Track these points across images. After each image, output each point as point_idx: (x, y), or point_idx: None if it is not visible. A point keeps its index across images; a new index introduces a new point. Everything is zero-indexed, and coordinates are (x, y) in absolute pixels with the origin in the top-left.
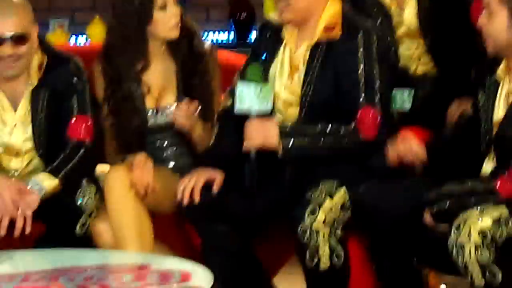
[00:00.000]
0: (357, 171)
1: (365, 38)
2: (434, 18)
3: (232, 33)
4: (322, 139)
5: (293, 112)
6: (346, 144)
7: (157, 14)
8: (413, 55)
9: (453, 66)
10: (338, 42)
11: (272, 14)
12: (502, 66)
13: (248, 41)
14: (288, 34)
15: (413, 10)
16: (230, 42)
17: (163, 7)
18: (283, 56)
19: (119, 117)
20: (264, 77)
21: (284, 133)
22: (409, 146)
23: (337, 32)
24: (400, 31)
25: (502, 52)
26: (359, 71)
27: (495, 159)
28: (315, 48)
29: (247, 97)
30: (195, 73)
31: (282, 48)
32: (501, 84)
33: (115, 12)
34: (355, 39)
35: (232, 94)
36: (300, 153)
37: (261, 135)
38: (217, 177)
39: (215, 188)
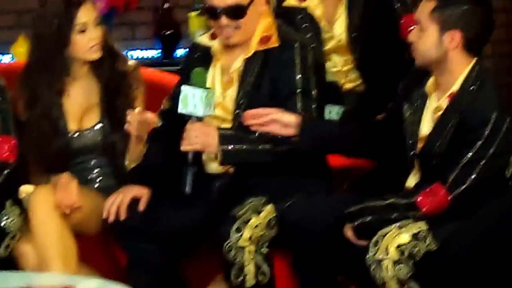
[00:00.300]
0: (287, 187)
1: (301, 49)
2: (364, 33)
3: (158, 50)
4: (261, 145)
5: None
6: (282, 149)
7: (76, 37)
8: (340, 70)
9: (380, 82)
10: (274, 52)
11: (201, 38)
12: (430, 81)
13: (174, 57)
14: (218, 53)
15: (343, 25)
16: (156, 59)
17: (83, 31)
18: (213, 74)
19: (40, 139)
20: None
21: (223, 138)
22: None
23: (273, 42)
24: (329, 46)
25: (430, 68)
26: (296, 80)
27: (418, 174)
28: (251, 60)
29: (191, 100)
30: (118, 94)
31: (211, 68)
32: (428, 99)
33: (35, 33)
34: (291, 49)
35: (173, 98)
36: (238, 158)
37: (200, 139)
38: (144, 194)
39: (141, 205)
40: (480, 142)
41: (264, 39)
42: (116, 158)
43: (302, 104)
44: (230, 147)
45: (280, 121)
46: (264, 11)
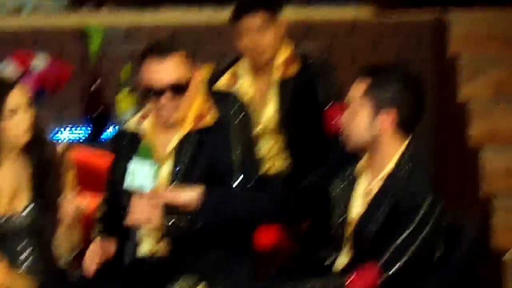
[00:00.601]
0: (220, 265)
1: (237, 127)
2: (294, 117)
3: (87, 130)
4: (202, 216)
5: None
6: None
7: (6, 121)
8: (268, 153)
9: (307, 163)
10: (210, 131)
11: (127, 124)
12: (362, 162)
13: (103, 137)
14: (149, 134)
15: (272, 109)
16: (85, 139)
17: (13, 113)
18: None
19: None
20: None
21: (168, 211)
22: None
23: (209, 120)
24: (256, 130)
25: (362, 151)
26: (233, 156)
27: (348, 255)
28: (185, 139)
29: (140, 174)
30: (46, 178)
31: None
32: (358, 180)
33: None
34: (227, 128)
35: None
36: (179, 231)
37: (145, 214)
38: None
39: None
40: (412, 226)
41: (198, 118)
42: (44, 241)
43: (242, 180)
44: (171, 221)
45: (176, 202)
46: (198, 90)
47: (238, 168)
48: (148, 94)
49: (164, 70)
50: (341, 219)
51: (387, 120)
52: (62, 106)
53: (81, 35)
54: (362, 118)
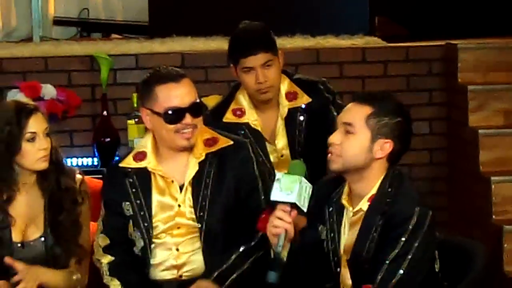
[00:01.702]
0: None
1: (250, 147)
2: (306, 147)
3: (96, 157)
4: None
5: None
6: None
7: (26, 146)
8: None
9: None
10: (229, 151)
11: (125, 163)
12: (344, 195)
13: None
14: (157, 166)
15: (284, 140)
16: (94, 166)
17: (32, 139)
18: (157, 187)
19: None
20: None
21: None
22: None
23: (223, 142)
24: (272, 159)
25: (347, 174)
26: (256, 176)
27: (348, 282)
28: (204, 163)
29: (303, 194)
30: (62, 209)
31: (153, 183)
32: (345, 210)
33: None
34: (245, 148)
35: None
36: None
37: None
38: None
39: None
40: (404, 238)
41: (210, 142)
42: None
43: (265, 197)
44: None
45: None
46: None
47: (261, 186)
48: (176, 116)
49: (183, 91)
50: (335, 256)
51: (382, 149)
52: (71, 133)
53: (91, 62)
54: (360, 142)
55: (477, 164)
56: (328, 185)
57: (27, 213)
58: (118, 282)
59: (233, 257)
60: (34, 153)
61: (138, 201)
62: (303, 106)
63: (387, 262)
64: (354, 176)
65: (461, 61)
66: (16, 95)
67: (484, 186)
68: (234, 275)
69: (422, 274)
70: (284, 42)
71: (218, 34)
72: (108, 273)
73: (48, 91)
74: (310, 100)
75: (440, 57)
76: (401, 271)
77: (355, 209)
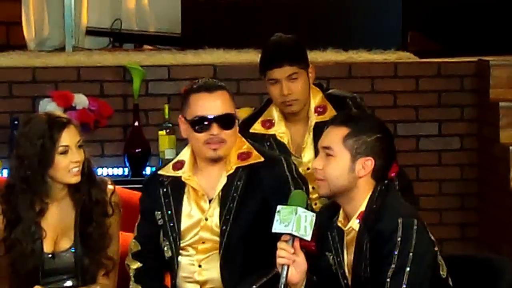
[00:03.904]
0: None
1: (287, 164)
2: None
3: (126, 168)
4: None
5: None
6: None
7: (58, 159)
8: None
9: None
10: (262, 168)
11: (163, 171)
12: (340, 217)
13: (143, 175)
14: (191, 176)
15: (311, 153)
16: (125, 176)
17: (65, 152)
18: (189, 199)
19: (18, 258)
20: None
21: None
22: None
23: (255, 158)
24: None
25: (335, 196)
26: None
27: None
28: (233, 176)
29: (303, 223)
30: (91, 221)
31: (186, 194)
32: (345, 234)
33: (16, 153)
34: (280, 165)
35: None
36: None
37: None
38: None
39: None
40: (396, 252)
41: (243, 155)
42: (86, 281)
43: None
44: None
45: None
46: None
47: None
48: (201, 124)
49: (214, 102)
50: (344, 280)
51: (364, 168)
52: (102, 143)
53: (123, 73)
54: (340, 164)
55: (507, 180)
56: (328, 210)
57: (59, 225)
58: None
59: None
60: (67, 165)
61: (169, 212)
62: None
63: (388, 280)
64: (343, 198)
65: (493, 77)
66: (48, 104)
67: None
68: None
69: (426, 283)
70: (316, 56)
71: (250, 46)
72: (133, 279)
73: (80, 100)
74: (335, 114)
75: (472, 73)
76: (404, 286)
77: (346, 228)
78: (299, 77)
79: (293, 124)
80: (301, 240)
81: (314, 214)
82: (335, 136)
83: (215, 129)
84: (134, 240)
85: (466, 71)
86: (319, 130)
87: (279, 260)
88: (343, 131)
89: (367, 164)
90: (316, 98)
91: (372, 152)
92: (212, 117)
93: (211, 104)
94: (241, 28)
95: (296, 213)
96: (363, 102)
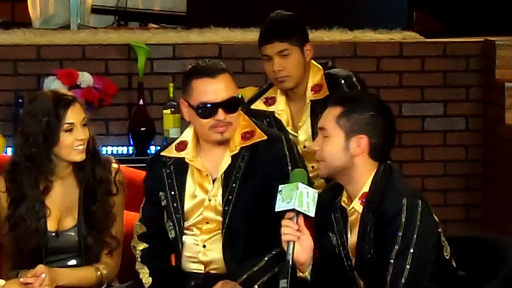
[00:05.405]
0: None
1: (287, 142)
2: None
3: (131, 146)
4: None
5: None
6: None
7: (63, 137)
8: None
9: None
10: (262, 147)
11: (166, 152)
12: (344, 197)
13: (147, 154)
14: (194, 157)
15: (308, 131)
16: (129, 155)
17: (70, 130)
18: (192, 182)
19: (22, 236)
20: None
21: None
22: None
23: (259, 136)
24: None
25: (336, 176)
26: (289, 172)
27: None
28: (236, 157)
29: (305, 199)
30: (95, 199)
31: (189, 175)
32: (348, 214)
33: (22, 131)
34: (280, 143)
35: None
36: None
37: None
38: None
39: None
40: (400, 233)
41: (247, 135)
42: (90, 260)
43: None
44: None
45: None
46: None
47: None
48: (207, 111)
49: (218, 87)
50: (348, 261)
51: (359, 146)
52: (107, 122)
53: (128, 51)
54: (335, 143)
55: None
56: (331, 191)
57: (63, 203)
58: (148, 270)
59: (266, 259)
60: (72, 143)
61: (172, 192)
62: (327, 97)
63: (391, 261)
64: (343, 178)
65: (498, 58)
66: (53, 82)
67: None
68: (265, 277)
69: (429, 264)
70: (321, 35)
71: (255, 25)
72: (140, 259)
73: (85, 79)
74: (327, 93)
75: (478, 53)
76: (408, 266)
77: (349, 209)
78: (291, 54)
79: (293, 102)
80: (304, 218)
81: (316, 191)
82: (329, 116)
83: (220, 114)
84: (139, 223)
85: (472, 51)
86: (313, 109)
87: (284, 237)
88: (336, 110)
89: (361, 142)
90: (315, 77)
91: (366, 130)
92: (218, 102)
93: (215, 89)
94: (247, 7)
95: (297, 189)
96: (362, 82)
